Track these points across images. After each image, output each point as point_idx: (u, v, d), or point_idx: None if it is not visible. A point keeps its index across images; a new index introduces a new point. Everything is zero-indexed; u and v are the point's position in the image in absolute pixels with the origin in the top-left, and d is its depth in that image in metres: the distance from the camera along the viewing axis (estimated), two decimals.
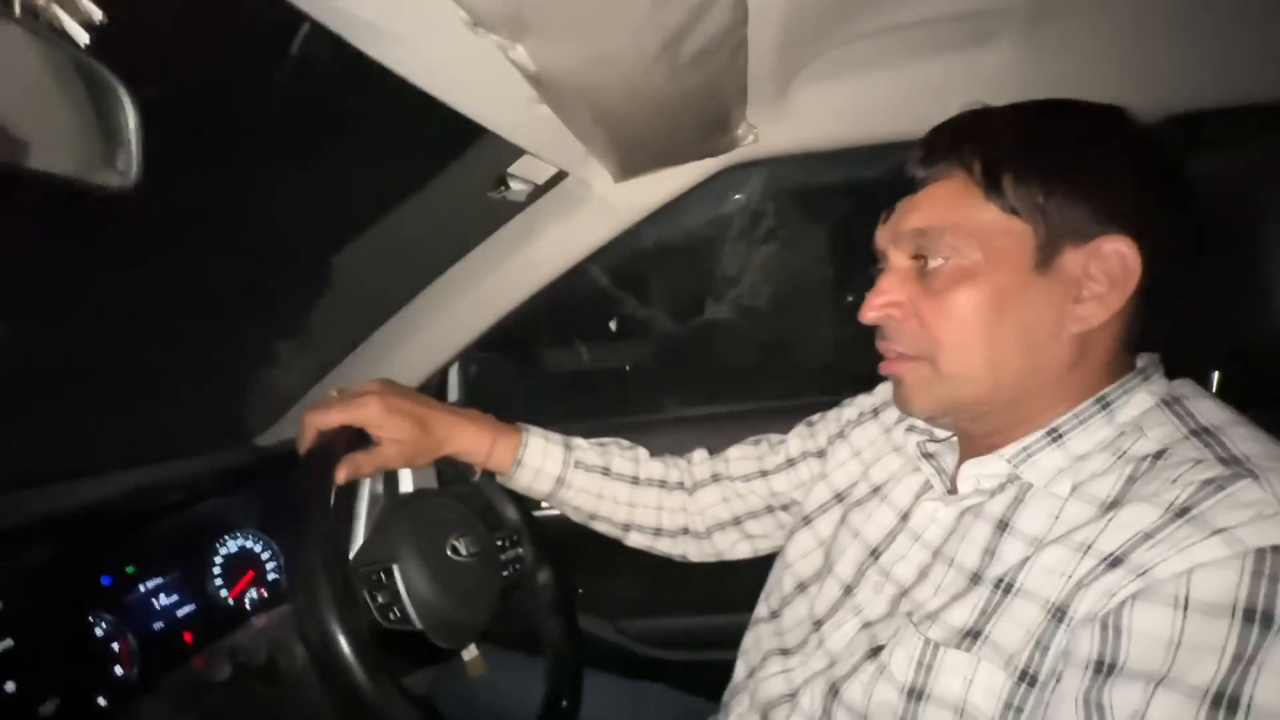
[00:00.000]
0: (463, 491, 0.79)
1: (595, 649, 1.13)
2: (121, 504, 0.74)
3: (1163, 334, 0.56)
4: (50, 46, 0.30)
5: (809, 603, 0.65)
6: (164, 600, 0.74)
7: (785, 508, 0.78)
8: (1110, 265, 0.48)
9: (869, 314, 0.55)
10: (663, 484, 0.81)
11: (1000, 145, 0.50)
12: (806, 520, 0.71)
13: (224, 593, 0.82)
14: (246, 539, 0.87)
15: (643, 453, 0.82)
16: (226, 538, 0.85)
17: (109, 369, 0.90)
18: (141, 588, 0.73)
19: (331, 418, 0.65)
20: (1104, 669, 0.40)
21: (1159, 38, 0.72)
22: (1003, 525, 0.51)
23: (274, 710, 0.72)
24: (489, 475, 0.78)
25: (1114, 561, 0.42)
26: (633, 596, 0.88)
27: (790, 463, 0.78)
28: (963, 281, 0.50)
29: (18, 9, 0.27)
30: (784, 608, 0.68)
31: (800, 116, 0.80)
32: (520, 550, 0.78)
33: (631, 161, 0.76)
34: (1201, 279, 0.61)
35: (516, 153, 0.85)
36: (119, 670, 0.67)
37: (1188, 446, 0.46)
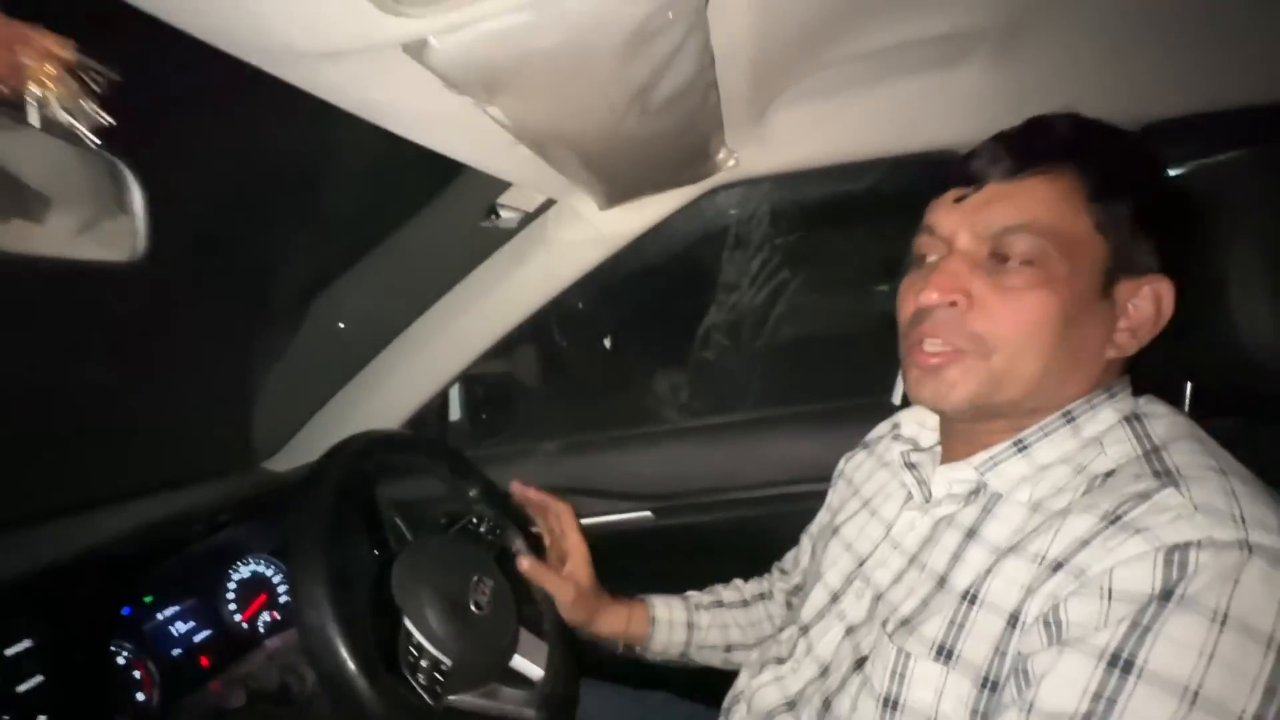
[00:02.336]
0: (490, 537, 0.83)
1: (599, 659, 1.15)
2: (141, 538, 0.77)
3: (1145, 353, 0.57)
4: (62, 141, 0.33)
5: (800, 610, 0.68)
6: (181, 627, 0.77)
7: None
8: (1147, 304, 0.51)
9: (933, 295, 0.51)
10: (761, 596, 0.85)
11: (1111, 160, 0.51)
12: (812, 551, 0.75)
13: (237, 617, 0.85)
14: (259, 563, 0.91)
15: (737, 580, 0.87)
16: (239, 563, 0.89)
17: (116, 396, 0.93)
18: (159, 616, 0.76)
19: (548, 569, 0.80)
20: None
21: (1123, 52, 0.74)
22: (970, 533, 0.53)
23: None
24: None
25: (1056, 567, 0.45)
26: None
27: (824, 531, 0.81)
28: (1044, 286, 0.49)
29: (35, 121, 0.30)
30: (789, 624, 0.71)
31: (779, 140, 0.82)
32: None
33: (615, 191, 0.78)
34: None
35: (505, 182, 0.87)
36: (141, 696, 0.70)
37: (1135, 465, 0.48)
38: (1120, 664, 0.40)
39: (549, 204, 0.90)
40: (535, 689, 0.75)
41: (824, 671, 0.62)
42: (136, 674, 0.71)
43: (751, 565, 0.90)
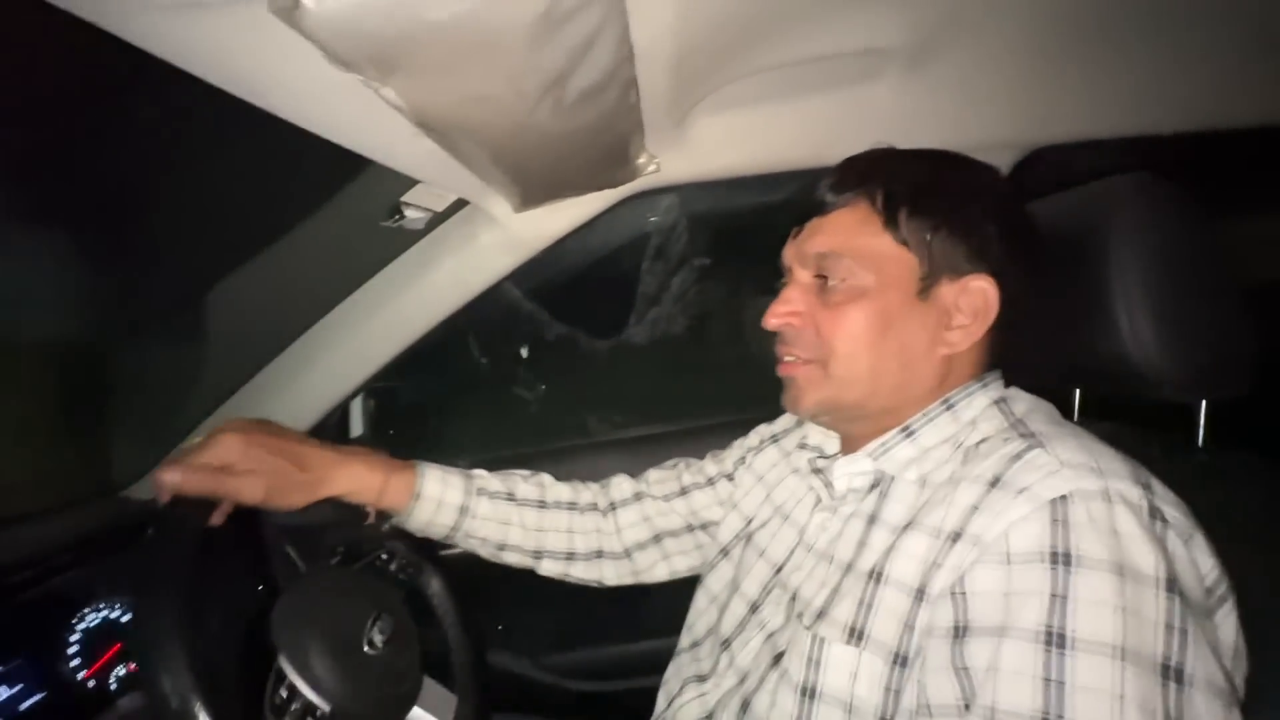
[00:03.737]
0: (384, 572, 0.73)
1: (517, 687, 1.09)
2: None
3: (1029, 357, 0.60)
4: None
5: (719, 624, 0.66)
6: (1, 693, 0.64)
7: (704, 528, 0.79)
8: (975, 300, 0.56)
9: (772, 320, 0.60)
10: (572, 506, 0.79)
11: (901, 183, 0.57)
12: (724, 551, 0.73)
13: (81, 674, 0.72)
14: (112, 609, 0.78)
15: (546, 478, 0.80)
16: (86, 610, 0.76)
17: None
18: None
19: (188, 466, 0.56)
20: (959, 632, 0.46)
21: (1023, 79, 0.78)
22: (872, 519, 0.57)
23: None
24: (384, 516, 0.72)
25: (955, 538, 0.49)
26: (552, 629, 0.86)
27: (710, 481, 0.80)
28: (857, 299, 0.56)
29: None
30: (706, 637, 0.69)
31: (700, 147, 0.81)
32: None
33: (530, 193, 0.74)
34: (1060, 306, 0.66)
35: (411, 179, 0.81)
36: None
37: (1003, 433, 0.54)
38: (1054, 639, 0.42)
39: (460, 204, 0.84)
40: None
41: (743, 679, 0.61)
42: None
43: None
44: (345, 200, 0.91)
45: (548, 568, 0.78)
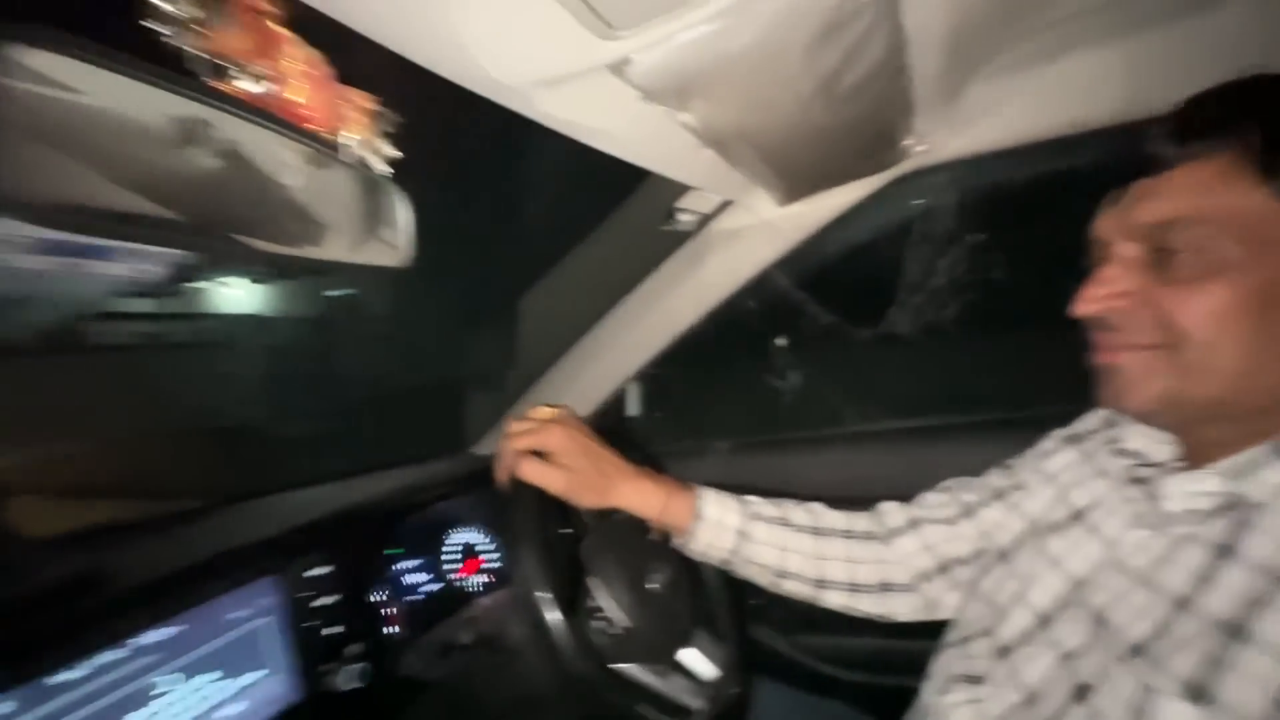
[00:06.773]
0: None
1: (769, 661, 1.15)
2: (388, 500, 0.94)
3: None
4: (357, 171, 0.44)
5: (997, 629, 0.62)
6: (418, 577, 0.92)
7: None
8: None
9: (1088, 306, 0.51)
10: (848, 534, 0.75)
11: None
12: (1003, 555, 0.68)
13: (453, 575, 0.99)
14: (470, 532, 1.05)
15: (817, 506, 0.77)
16: (453, 530, 1.03)
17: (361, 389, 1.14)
18: (400, 566, 0.92)
19: (521, 442, 0.72)
20: None
21: None
22: (1224, 550, 0.46)
23: (498, 674, 0.85)
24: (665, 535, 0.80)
25: None
26: (808, 611, 0.88)
27: (998, 495, 0.72)
28: (1216, 275, 0.45)
29: (348, 156, 0.40)
30: (979, 636, 0.66)
31: (974, 119, 0.76)
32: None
33: (795, 187, 0.78)
34: None
35: (684, 186, 0.92)
36: (388, 630, 0.85)
37: None
38: None
39: (726, 204, 0.93)
40: (707, 686, 0.76)
41: (1030, 699, 0.56)
42: (385, 611, 0.86)
43: None
44: (627, 211, 1.07)
45: (832, 599, 0.75)
